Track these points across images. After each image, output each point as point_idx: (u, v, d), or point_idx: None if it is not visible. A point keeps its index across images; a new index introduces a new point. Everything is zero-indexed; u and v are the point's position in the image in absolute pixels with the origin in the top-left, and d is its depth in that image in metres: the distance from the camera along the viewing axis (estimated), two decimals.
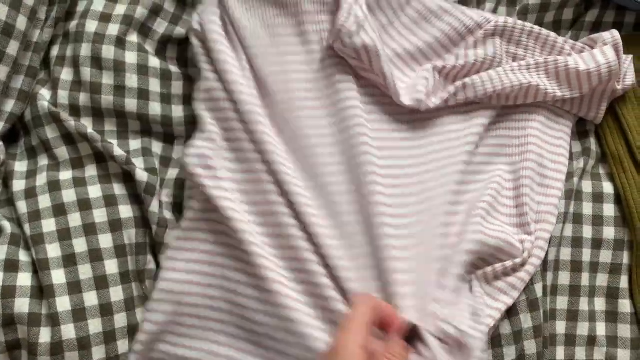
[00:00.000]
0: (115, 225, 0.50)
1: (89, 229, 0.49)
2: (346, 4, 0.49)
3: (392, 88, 0.51)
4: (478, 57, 0.53)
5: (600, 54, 0.52)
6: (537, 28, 0.54)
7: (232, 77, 0.50)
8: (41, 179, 0.50)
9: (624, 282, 0.53)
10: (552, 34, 0.54)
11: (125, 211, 0.50)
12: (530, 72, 0.53)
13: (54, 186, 0.50)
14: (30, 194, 0.50)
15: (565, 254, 0.53)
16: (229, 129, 0.50)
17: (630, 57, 0.55)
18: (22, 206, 0.49)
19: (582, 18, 0.57)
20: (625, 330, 0.52)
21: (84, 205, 0.49)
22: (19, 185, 0.50)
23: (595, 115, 0.55)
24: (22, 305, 0.46)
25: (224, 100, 0.50)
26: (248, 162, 0.49)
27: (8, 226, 0.49)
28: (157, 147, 0.54)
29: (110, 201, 0.50)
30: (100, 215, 0.49)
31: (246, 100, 0.49)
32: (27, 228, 0.48)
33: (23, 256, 0.48)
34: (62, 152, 0.51)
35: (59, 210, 0.49)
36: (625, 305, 0.52)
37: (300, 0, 0.51)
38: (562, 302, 0.53)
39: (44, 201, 0.49)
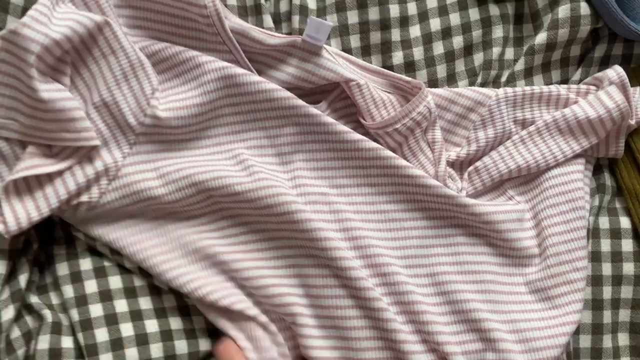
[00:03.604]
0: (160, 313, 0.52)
1: (135, 315, 0.51)
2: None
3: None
4: (489, 137, 0.53)
5: (607, 97, 0.52)
6: (537, 88, 0.54)
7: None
8: (85, 264, 0.52)
9: None
10: (554, 88, 0.54)
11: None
12: (542, 136, 0.53)
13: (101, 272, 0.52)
14: (76, 278, 0.51)
15: (586, 293, 0.54)
16: None
17: (639, 89, 0.55)
18: (69, 290, 0.51)
19: (591, 53, 0.57)
20: None
21: (131, 293, 0.52)
22: (62, 269, 0.52)
23: (616, 151, 0.55)
24: None
25: None
26: None
27: (49, 314, 0.50)
28: None
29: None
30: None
31: None
32: (73, 313, 0.51)
33: (66, 343, 0.50)
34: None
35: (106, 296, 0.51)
36: None
37: None
38: (585, 341, 0.54)
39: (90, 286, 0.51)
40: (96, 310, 0.51)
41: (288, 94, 0.52)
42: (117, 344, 0.50)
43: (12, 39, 0.45)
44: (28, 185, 0.48)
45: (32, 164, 0.47)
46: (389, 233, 0.53)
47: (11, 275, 0.50)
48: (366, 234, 0.52)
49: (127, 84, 0.49)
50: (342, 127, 0.52)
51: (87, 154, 0.49)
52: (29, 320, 0.50)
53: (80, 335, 0.50)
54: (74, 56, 0.48)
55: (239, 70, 0.51)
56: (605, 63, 0.57)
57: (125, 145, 0.50)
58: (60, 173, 0.48)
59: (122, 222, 0.52)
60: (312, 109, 0.52)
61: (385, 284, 0.51)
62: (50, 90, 0.46)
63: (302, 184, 0.52)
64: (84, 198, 0.49)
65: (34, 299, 0.51)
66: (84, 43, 0.48)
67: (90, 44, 0.48)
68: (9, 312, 0.48)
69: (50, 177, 0.48)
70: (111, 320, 0.51)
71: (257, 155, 0.53)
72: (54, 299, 0.52)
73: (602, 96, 0.53)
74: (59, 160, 0.48)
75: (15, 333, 0.49)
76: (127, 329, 0.51)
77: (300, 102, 0.52)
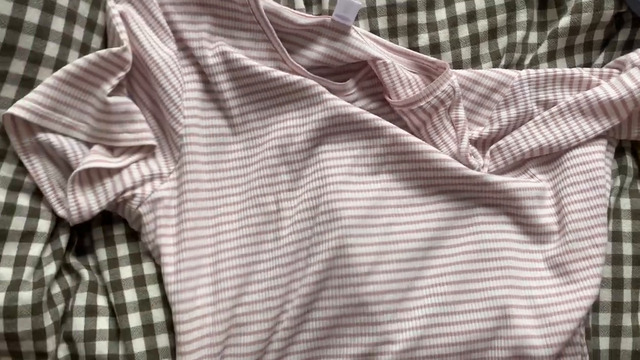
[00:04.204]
0: None
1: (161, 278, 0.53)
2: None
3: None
4: (511, 116, 0.55)
5: (629, 79, 0.53)
6: (560, 70, 0.55)
7: None
8: (118, 229, 0.55)
9: None
10: (577, 70, 0.55)
11: None
12: (564, 116, 0.55)
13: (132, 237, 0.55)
14: (110, 242, 0.54)
15: (606, 271, 0.55)
16: None
17: None
18: (102, 253, 0.54)
19: (614, 38, 0.58)
20: None
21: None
22: (97, 233, 0.55)
23: (638, 133, 0.56)
24: (102, 347, 0.51)
25: None
26: None
27: (86, 274, 0.54)
28: None
29: None
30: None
31: None
32: (106, 274, 0.54)
33: (101, 301, 0.53)
34: None
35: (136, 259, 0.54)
36: None
37: None
38: (604, 319, 0.55)
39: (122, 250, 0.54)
40: (126, 272, 0.54)
41: (312, 82, 0.54)
42: (144, 305, 0.53)
43: (114, 60, 0.51)
44: (90, 180, 0.52)
45: (97, 159, 0.51)
46: (407, 217, 0.54)
47: (53, 235, 0.53)
48: (384, 222, 0.53)
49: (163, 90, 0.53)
50: (366, 115, 0.54)
51: (144, 156, 0.53)
52: (68, 278, 0.53)
53: (111, 295, 0.53)
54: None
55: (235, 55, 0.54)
56: (628, 47, 0.58)
57: (175, 150, 0.53)
58: (119, 170, 0.52)
59: None
60: (339, 100, 0.54)
61: (399, 269, 0.53)
62: (114, 95, 0.51)
63: (324, 176, 0.54)
64: (138, 191, 0.52)
65: (72, 260, 0.54)
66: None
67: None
68: (51, 268, 0.51)
69: (110, 174, 0.52)
70: (139, 282, 0.53)
71: (286, 145, 0.55)
72: (91, 261, 0.55)
73: (624, 78, 0.54)
74: (120, 160, 0.53)
75: (56, 289, 0.52)
76: (153, 291, 0.53)
77: (325, 91, 0.54)
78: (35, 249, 0.50)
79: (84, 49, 0.53)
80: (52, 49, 0.50)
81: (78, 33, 0.52)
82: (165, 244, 0.52)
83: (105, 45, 0.55)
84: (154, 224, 0.52)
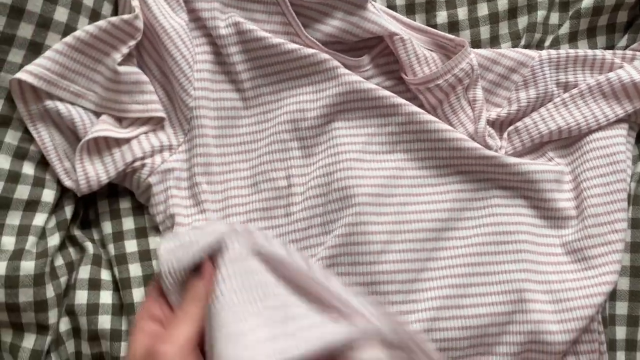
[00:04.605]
0: None
1: None
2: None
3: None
4: (530, 97, 0.54)
5: None
6: (581, 51, 0.54)
7: None
8: (124, 203, 0.54)
9: None
10: (599, 52, 0.54)
11: None
12: (584, 99, 0.53)
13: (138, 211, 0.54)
14: (115, 215, 0.53)
15: (625, 259, 0.53)
16: None
17: None
18: (107, 226, 0.53)
19: (638, 20, 0.56)
20: None
21: None
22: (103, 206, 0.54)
23: None
24: (104, 321, 0.50)
25: None
26: None
27: (90, 247, 0.52)
28: None
29: None
30: None
31: None
32: (110, 248, 0.52)
33: (105, 275, 0.52)
34: None
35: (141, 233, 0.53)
36: None
37: None
38: (621, 308, 0.53)
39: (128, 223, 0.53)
40: (131, 246, 0.52)
41: (327, 56, 0.53)
42: (149, 280, 0.51)
43: (125, 27, 0.49)
44: (99, 150, 0.51)
45: (107, 128, 0.50)
46: (421, 197, 0.53)
47: (57, 205, 0.52)
48: (398, 201, 0.52)
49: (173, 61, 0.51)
50: (382, 91, 0.53)
51: (153, 129, 0.52)
52: (72, 251, 0.52)
53: (115, 269, 0.52)
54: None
55: (250, 26, 0.53)
56: None
57: (185, 122, 0.52)
58: (128, 140, 0.51)
59: None
60: (354, 76, 0.53)
61: (412, 249, 0.51)
62: (124, 65, 0.50)
63: (337, 152, 0.52)
64: (148, 161, 0.51)
65: (77, 232, 0.53)
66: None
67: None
68: (55, 239, 0.50)
69: (119, 144, 0.51)
70: (145, 256, 0.52)
71: (298, 120, 0.53)
72: (95, 234, 0.54)
73: None
74: (128, 131, 0.51)
75: (59, 261, 0.50)
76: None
77: (340, 66, 0.53)
78: (39, 219, 0.49)
79: (94, 16, 0.51)
80: (61, 14, 0.49)
81: None
82: (179, 213, 0.51)
83: (115, 13, 0.53)
84: (165, 194, 0.51)
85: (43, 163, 0.50)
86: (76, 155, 0.50)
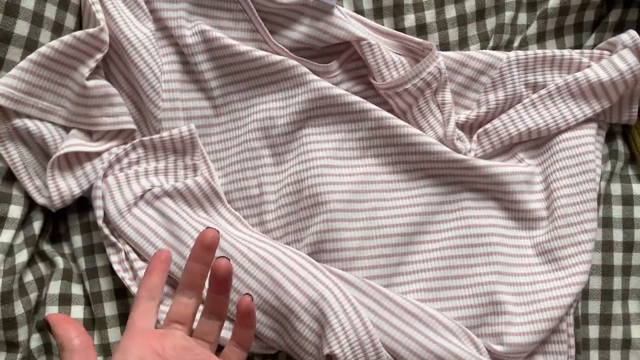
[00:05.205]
0: None
1: None
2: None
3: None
4: (499, 99, 0.53)
5: (620, 60, 0.52)
6: (549, 52, 0.54)
7: None
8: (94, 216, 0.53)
9: None
10: (566, 52, 0.54)
11: None
12: (553, 99, 0.53)
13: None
14: (85, 228, 0.53)
15: (596, 258, 0.54)
16: None
17: None
18: (78, 240, 0.52)
19: (605, 19, 0.56)
20: None
21: None
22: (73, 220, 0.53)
23: (629, 117, 0.55)
24: None
25: None
26: None
27: (61, 261, 0.52)
28: None
29: None
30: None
31: None
32: (81, 262, 0.52)
33: (76, 290, 0.52)
34: None
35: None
36: None
37: None
38: (594, 307, 0.53)
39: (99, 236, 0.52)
40: (102, 259, 0.52)
41: (295, 62, 0.52)
42: (121, 293, 0.51)
43: (90, 41, 0.49)
44: (69, 165, 0.51)
45: (77, 142, 0.50)
46: (392, 202, 0.53)
47: (26, 221, 0.51)
48: (369, 206, 0.52)
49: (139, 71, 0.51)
50: (351, 97, 0.53)
51: (124, 141, 0.52)
52: (42, 266, 0.51)
53: (87, 283, 0.51)
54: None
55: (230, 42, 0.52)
56: (619, 29, 0.56)
57: (155, 134, 0.52)
58: (98, 154, 0.51)
59: None
60: (323, 82, 0.52)
61: (384, 254, 0.51)
62: (92, 77, 0.50)
63: (307, 159, 0.52)
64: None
65: (47, 247, 0.52)
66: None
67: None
68: (23, 256, 0.49)
69: (90, 158, 0.51)
70: None
71: (268, 127, 0.53)
72: (66, 249, 0.53)
73: (615, 59, 0.52)
74: (99, 145, 0.51)
75: (29, 277, 0.50)
76: None
77: (309, 72, 0.52)
78: (5, 236, 0.49)
79: (57, 28, 0.51)
80: (22, 28, 0.48)
81: (50, 11, 0.50)
82: None
83: (79, 25, 0.53)
84: None
85: (9, 179, 0.50)
86: (47, 172, 0.49)
